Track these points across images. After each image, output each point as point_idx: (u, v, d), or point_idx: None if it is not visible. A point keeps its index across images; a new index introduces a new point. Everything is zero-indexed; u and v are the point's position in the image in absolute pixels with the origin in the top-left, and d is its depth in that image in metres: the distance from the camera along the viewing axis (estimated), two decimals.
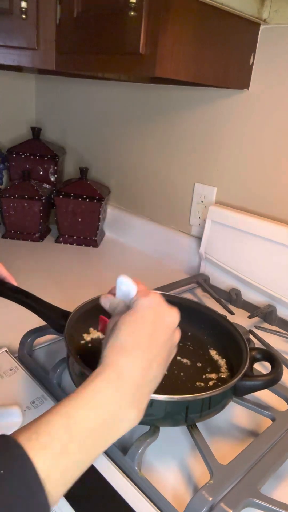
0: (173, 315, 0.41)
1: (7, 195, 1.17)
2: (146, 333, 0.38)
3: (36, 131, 1.32)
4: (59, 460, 0.30)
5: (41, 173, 1.31)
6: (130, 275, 0.45)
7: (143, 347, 0.37)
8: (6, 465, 0.27)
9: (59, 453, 0.30)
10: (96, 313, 0.58)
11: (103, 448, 0.34)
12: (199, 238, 1.04)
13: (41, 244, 1.21)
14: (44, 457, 0.29)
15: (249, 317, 0.84)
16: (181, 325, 0.72)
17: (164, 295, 0.73)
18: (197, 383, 0.60)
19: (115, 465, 0.49)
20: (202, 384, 0.60)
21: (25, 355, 0.66)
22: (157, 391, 0.53)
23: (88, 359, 0.54)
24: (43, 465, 0.28)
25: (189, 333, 0.71)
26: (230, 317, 0.78)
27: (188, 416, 0.51)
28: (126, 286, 0.44)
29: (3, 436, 0.29)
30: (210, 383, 0.60)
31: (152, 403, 0.49)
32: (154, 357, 0.38)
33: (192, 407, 0.51)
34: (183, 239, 1.09)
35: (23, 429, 0.31)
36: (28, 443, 0.29)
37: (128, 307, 0.41)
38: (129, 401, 0.35)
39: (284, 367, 0.60)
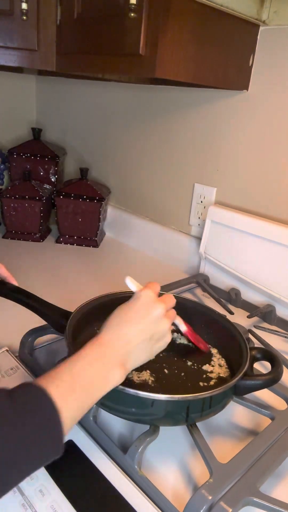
0: (158, 307, 0.52)
1: (8, 195, 1.17)
2: (129, 317, 0.50)
3: (36, 132, 1.32)
4: (67, 395, 0.41)
5: (41, 173, 1.32)
6: (129, 275, 0.55)
7: (123, 327, 0.49)
8: (31, 402, 0.38)
9: (67, 390, 0.41)
10: (97, 313, 0.58)
11: (100, 393, 0.45)
12: (199, 238, 1.04)
13: (41, 244, 1.21)
14: (57, 392, 0.40)
15: (249, 316, 0.84)
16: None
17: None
18: (198, 383, 0.60)
19: (115, 464, 0.49)
20: (203, 383, 0.60)
21: (25, 355, 0.66)
22: (158, 391, 0.54)
23: None
24: (57, 399, 0.39)
25: None
26: (229, 317, 0.78)
27: (189, 416, 0.52)
28: (128, 286, 0.56)
29: (26, 382, 0.40)
30: (211, 383, 0.60)
31: (153, 402, 0.50)
32: (133, 335, 0.49)
33: (193, 406, 0.51)
34: (183, 239, 1.10)
35: (40, 378, 0.42)
36: (46, 384, 0.40)
37: None
38: (113, 362, 0.47)
39: (284, 367, 0.60)
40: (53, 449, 0.39)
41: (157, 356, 0.65)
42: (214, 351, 0.68)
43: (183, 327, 0.64)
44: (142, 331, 0.50)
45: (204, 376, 0.62)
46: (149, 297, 0.52)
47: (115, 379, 0.46)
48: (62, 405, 0.39)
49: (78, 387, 0.42)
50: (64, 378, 0.42)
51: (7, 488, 0.36)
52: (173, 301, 0.55)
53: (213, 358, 0.66)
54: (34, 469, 0.38)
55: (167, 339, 0.53)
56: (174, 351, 0.67)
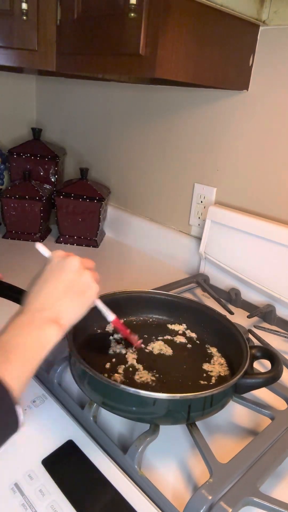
0: (71, 260, 0.52)
1: (8, 195, 1.17)
2: (45, 279, 0.51)
3: (36, 132, 1.32)
4: (5, 367, 0.41)
5: (41, 173, 1.32)
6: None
7: (42, 289, 0.50)
8: None
9: (3, 362, 0.41)
10: (97, 312, 0.58)
11: (40, 353, 0.45)
12: (199, 238, 1.04)
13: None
14: None
15: (249, 316, 0.84)
16: (181, 325, 0.73)
17: (164, 294, 0.75)
18: (198, 382, 0.60)
19: (115, 464, 0.50)
20: (203, 382, 0.60)
21: None
22: (159, 390, 0.54)
23: (90, 358, 0.54)
24: None
25: (189, 332, 0.72)
26: (229, 317, 0.78)
27: (190, 415, 0.52)
28: (40, 251, 0.56)
29: None
30: (211, 382, 0.60)
31: (154, 401, 0.50)
32: (55, 291, 0.50)
33: (194, 405, 0.51)
34: (183, 239, 1.10)
35: None
36: None
37: None
38: (43, 322, 0.47)
39: (284, 367, 0.60)
40: (10, 418, 0.39)
41: (158, 355, 0.65)
42: (213, 350, 0.68)
43: (110, 316, 0.60)
44: (62, 284, 0.50)
45: (204, 375, 0.62)
46: (60, 255, 0.53)
47: (52, 335, 0.47)
48: (4, 376, 0.40)
49: (12, 356, 0.43)
50: None
51: None
52: (91, 262, 0.55)
53: (213, 357, 0.66)
54: None
55: (94, 288, 0.53)
56: (174, 350, 0.67)
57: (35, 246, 0.57)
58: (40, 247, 0.56)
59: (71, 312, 0.51)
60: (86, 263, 0.54)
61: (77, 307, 0.51)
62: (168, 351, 0.67)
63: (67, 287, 0.51)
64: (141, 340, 0.66)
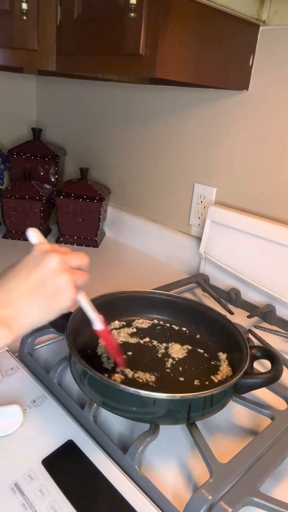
0: (51, 258, 0.46)
1: (8, 195, 1.17)
2: (16, 271, 0.46)
3: (36, 132, 1.32)
4: None
5: (41, 173, 1.32)
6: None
7: (8, 281, 0.45)
8: None
9: None
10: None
11: None
12: (199, 238, 1.04)
13: None
14: None
15: (249, 316, 0.84)
16: (181, 325, 0.73)
17: (164, 294, 0.75)
18: (198, 382, 0.60)
19: (115, 464, 0.50)
20: (203, 382, 0.60)
21: (25, 355, 0.66)
22: (159, 390, 0.54)
23: (90, 358, 0.54)
24: None
25: (189, 332, 0.72)
26: (229, 317, 0.78)
27: (190, 415, 0.52)
28: (29, 237, 0.50)
29: None
30: (212, 382, 0.60)
31: (154, 401, 0.50)
32: (17, 287, 0.45)
33: (194, 405, 0.51)
34: (183, 239, 1.10)
35: None
36: None
37: None
38: None
39: (284, 367, 0.60)
40: None
41: (157, 355, 0.65)
42: (213, 350, 0.68)
43: (98, 324, 0.54)
44: (31, 282, 0.45)
45: (204, 375, 0.62)
46: (42, 250, 0.47)
47: (2, 338, 0.42)
48: None
49: None
50: None
51: None
52: (81, 259, 0.49)
53: (213, 357, 0.66)
54: None
55: (69, 294, 0.46)
56: (174, 350, 0.67)
57: (27, 232, 0.49)
58: (31, 233, 0.49)
59: (32, 315, 0.45)
60: (74, 260, 0.48)
61: (41, 311, 0.45)
62: (168, 351, 0.66)
63: (36, 286, 0.45)
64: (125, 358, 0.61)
